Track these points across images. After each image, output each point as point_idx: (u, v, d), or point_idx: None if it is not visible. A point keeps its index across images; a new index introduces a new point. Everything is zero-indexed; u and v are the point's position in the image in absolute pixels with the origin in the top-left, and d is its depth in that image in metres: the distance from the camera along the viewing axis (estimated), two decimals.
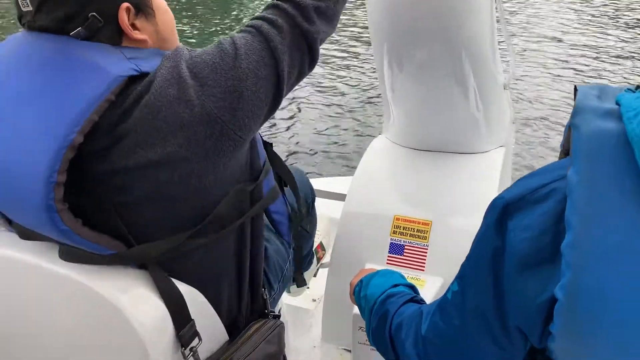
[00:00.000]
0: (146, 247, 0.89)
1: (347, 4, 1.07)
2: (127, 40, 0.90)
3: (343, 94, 6.91)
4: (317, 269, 1.96)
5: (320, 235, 2.02)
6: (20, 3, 0.86)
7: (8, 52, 0.89)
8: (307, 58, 0.97)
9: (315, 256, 1.93)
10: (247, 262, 1.06)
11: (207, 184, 0.89)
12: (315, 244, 1.97)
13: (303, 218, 1.26)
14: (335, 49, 8.72)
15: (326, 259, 1.90)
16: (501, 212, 0.68)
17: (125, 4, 0.88)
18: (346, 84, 7.29)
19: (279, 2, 0.96)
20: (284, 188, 1.23)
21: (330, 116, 6.23)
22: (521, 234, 0.65)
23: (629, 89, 0.67)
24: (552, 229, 0.62)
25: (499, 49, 1.66)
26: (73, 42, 0.85)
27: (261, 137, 1.09)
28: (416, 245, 1.60)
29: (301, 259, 1.21)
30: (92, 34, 0.86)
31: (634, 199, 0.57)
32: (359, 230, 1.68)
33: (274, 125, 5.95)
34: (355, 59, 8.41)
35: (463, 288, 0.75)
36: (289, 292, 1.92)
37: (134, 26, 0.91)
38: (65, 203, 0.81)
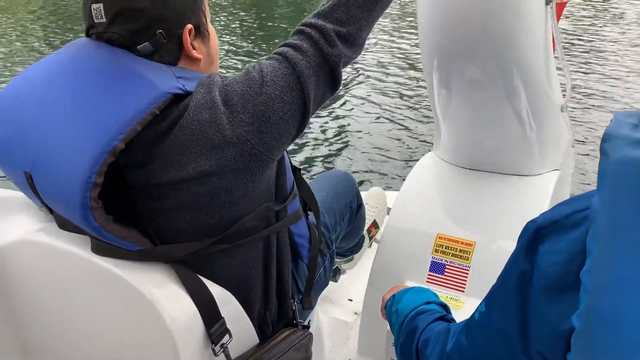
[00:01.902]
0: (171, 247, 0.94)
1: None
2: (184, 59, 0.98)
3: (395, 109, 6.89)
4: (370, 245, 1.99)
5: (375, 213, 2.03)
6: (93, 15, 0.92)
7: (68, 54, 0.95)
8: (331, 80, 1.00)
9: (365, 238, 1.93)
10: (274, 270, 1.09)
11: (236, 198, 0.94)
12: (369, 223, 1.98)
13: (322, 243, 1.29)
14: (389, 63, 8.73)
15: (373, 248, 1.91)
16: (533, 235, 0.67)
17: (190, 26, 0.96)
18: (398, 99, 7.28)
19: (303, 27, 1.00)
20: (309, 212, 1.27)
21: (380, 131, 6.23)
22: (551, 258, 0.63)
23: None
24: (580, 256, 0.60)
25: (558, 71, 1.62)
26: (130, 56, 0.91)
27: (290, 162, 1.14)
28: (458, 266, 1.57)
29: (312, 282, 1.24)
30: (156, 49, 0.93)
31: None
32: (401, 245, 1.66)
33: (324, 139, 6.01)
34: (407, 75, 8.39)
35: (489, 309, 0.74)
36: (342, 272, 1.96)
37: (192, 46, 0.98)
38: (99, 201, 0.87)
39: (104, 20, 0.91)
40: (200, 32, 1.00)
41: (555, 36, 1.46)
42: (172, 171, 0.89)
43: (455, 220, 1.65)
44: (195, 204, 0.92)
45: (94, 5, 0.91)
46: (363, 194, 1.91)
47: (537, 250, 0.66)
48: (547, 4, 1.36)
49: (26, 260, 1.01)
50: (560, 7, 1.74)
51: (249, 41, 10.04)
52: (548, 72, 1.52)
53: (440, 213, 1.68)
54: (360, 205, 1.61)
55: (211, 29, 1.05)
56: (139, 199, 0.94)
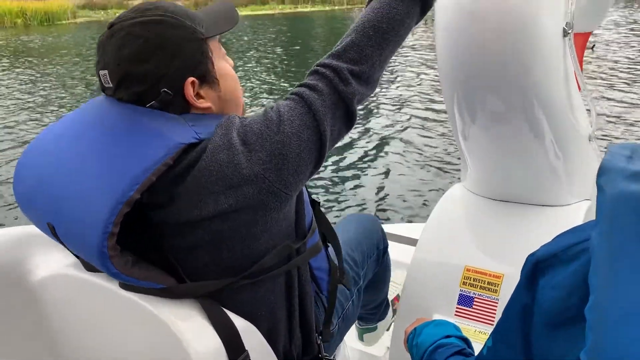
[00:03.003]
0: (193, 285, 0.98)
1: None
2: (193, 108, 1.01)
3: (422, 140, 6.90)
4: (393, 317, 1.95)
5: (399, 287, 2.02)
6: (102, 80, 0.98)
7: (86, 112, 1.02)
8: (346, 117, 1.03)
9: (390, 307, 1.93)
10: (297, 303, 1.11)
11: (256, 234, 0.97)
12: (392, 295, 1.97)
13: (343, 276, 1.30)
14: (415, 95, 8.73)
15: None
16: (532, 269, 0.67)
17: (191, 79, 0.98)
18: (424, 131, 7.29)
19: (318, 67, 1.03)
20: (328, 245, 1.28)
21: (408, 162, 6.23)
22: (550, 292, 0.64)
23: None
24: (580, 289, 0.60)
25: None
26: (142, 110, 0.96)
27: (309, 196, 1.16)
28: (486, 299, 1.56)
29: (331, 312, 1.25)
30: (164, 106, 0.97)
31: None
32: (429, 278, 1.66)
33: (348, 170, 6.03)
34: (433, 107, 8.40)
35: (496, 344, 0.74)
36: (361, 340, 1.93)
37: (199, 95, 1.01)
38: (117, 248, 0.91)
39: (111, 85, 0.97)
40: (206, 80, 1.02)
41: (575, 68, 1.46)
42: (193, 211, 0.93)
43: (483, 252, 1.64)
44: (215, 240, 0.96)
45: (101, 72, 0.97)
46: (402, 225, 1.91)
47: (537, 284, 0.66)
48: (564, 36, 1.37)
49: (60, 293, 1.07)
50: (583, 37, 1.75)
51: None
52: (571, 103, 1.52)
53: (468, 245, 1.68)
54: (386, 248, 1.62)
55: (224, 69, 1.06)
56: (161, 236, 0.98)
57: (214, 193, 0.91)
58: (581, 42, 1.73)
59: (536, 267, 0.66)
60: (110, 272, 0.92)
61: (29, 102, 10.51)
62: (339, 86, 1.00)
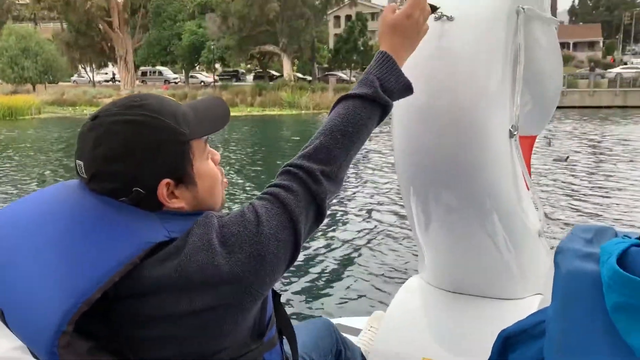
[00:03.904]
0: None
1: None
2: (165, 207, 1.00)
3: (381, 233, 7.00)
4: None
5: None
6: (78, 170, 0.98)
7: (58, 198, 1.00)
8: (317, 215, 1.07)
9: None
10: None
11: (224, 331, 0.96)
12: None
13: None
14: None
15: None
16: (502, 344, 0.71)
17: (166, 180, 0.97)
18: (382, 225, 7.42)
19: (290, 168, 1.07)
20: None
21: (367, 256, 6.28)
22: None
23: (626, 236, 0.71)
24: None
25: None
26: (115, 203, 0.95)
27: (272, 288, 1.14)
28: None
29: None
30: (136, 203, 0.97)
31: (604, 338, 0.59)
32: None
33: (309, 264, 6.01)
34: (392, 200, 8.62)
35: None
36: None
37: (172, 194, 0.99)
38: (69, 344, 0.86)
39: (85, 177, 0.96)
40: (182, 181, 1.00)
41: (521, 167, 1.58)
42: (167, 307, 0.91)
43: (439, 344, 1.65)
44: (183, 335, 0.94)
45: (78, 162, 0.98)
46: (365, 318, 1.91)
47: (507, 359, 0.69)
48: (510, 137, 1.49)
49: None
50: (530, 140, 1.89)
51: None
52: (520, 200, 1.61)
53: (425, 336, 1.69)
54: (340, 352, 1.60)
55: (203, 169, 1.04)
56: (122, 328, 0.95)
57: (191, 291, 0.91)
58: (528, 144, 1.87)
59: (506, 342, 0.70)
60: None
61: None
62: (312, 186, 1.04)
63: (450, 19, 1.40)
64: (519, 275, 1.72)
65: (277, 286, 1.15)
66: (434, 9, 1.33)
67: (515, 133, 1.50)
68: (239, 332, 1.00)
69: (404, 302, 1.83)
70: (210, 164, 1.07)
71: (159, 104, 0.99)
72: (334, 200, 9.30)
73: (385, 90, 1.18)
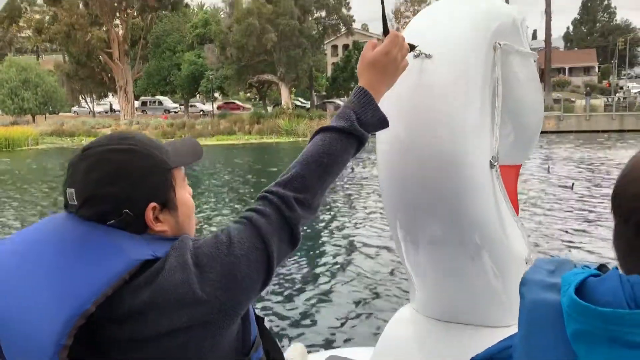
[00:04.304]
0: None
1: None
2: (150, 230, 1.07)
3: (372, 263, 7.00)
4: None
5: None
6: (67, 197, 1.04)
7: (46, 228, 1.06)
8: (291, 239, 1.12)
9: None
10: None
11: (204, 351, 1.00)
12: None
13: None
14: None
15: None
16: None
17: (153, 204, 1.04)
18: (373, 256, 7.42)
19: (266, 194, 1.13)
20: None
21: (357, 286, 6.26)
22: None
23: (586, 266, 0.74)
24: None
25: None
26: (103, 227, 1.01)
27: (254, 311, 1.20)
28: None
29: None
30: (124, 226, 1.03)
31: None
32: None
33: (298, 291, 6.00)
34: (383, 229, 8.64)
35: None
36: None
37: (157, 219, 1.07)
38: None
39: (76, 203, 1.01)
40: (166, 206, 1.07)
41: (503, 196, 1.61)
42: (145, 329, 0.95)
43: None
44: (164, 357, 0.97)
45: (68, 190, 1.03)
46: (359, 349, 1.91)
47: None
48: (491, 167, 1.53)
49: None
50: (514, 169, 1.93)
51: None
52: (504, 228, 1.64)
53: None
54: None
55: (183, 196, 1.12)
56: (108, 354, 0.99)
57: (168, 311, 0.95)
58: (513, 173, 1.91)
59: None
60: None
61: None
62: (285, 212, 1.10)
63: (428, 56, 1.45)
64: (507, 302, 1.73)
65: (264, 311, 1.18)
66: (412, 47, 1.38)
67: (496, 164, 1.54)
68: (220, 351, 1.02)
69: (395, 331, 1.84)
70: (187, 193, 1.15)
71: (145, 138, 1.10)
72: (320, 225, 9.48)
73: (361, 123, 1.22)
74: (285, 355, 1.87)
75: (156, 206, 1.05)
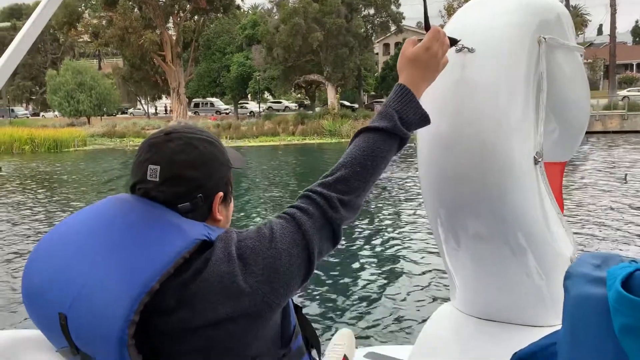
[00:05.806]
0: None
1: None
2: (210, 219, 1.14)
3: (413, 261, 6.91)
4: None
5: (343, 349, 1.98)
6: (148, 173, 1.09)
7: (110, 207, 1.11)
8: (332, 238, 1.15)
9: None
10: None
11: (247, 342, 1.03)
12: (339, 358, 1.92)
13: None
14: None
15: None
16: None
17: (221, 193, 1.14)
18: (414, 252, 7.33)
19: (310, 193, 1.16)
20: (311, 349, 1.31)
21: (398, 284, 6.22)
22: None
23: (633, 260, 0.72)
24: None
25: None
26: (167, 211, 1.07)
27: (292, 301, 1.22)
28: None
29: None
30: (193, 210, 1.09)
31: None
32: None
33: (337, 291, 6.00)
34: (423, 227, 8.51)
35: None
36: None
37: (217, 209, 1.15)
38: (133, 339, 0.96)
39: (157, 180, 1.07)
40: (225, 199, 1.17)
41: (548, 193, 1.58)
42: (193, 318, 0.99)
43: None
44: (207, 347, 1.01)
45: (151, 166, 1.09)
46: (401, 347, 1.89)
47: None
48: (535, 164, 1.51)
49: None
50: (559, 166, 1.89)
51: None
52: (549, 226, 1.61)
53: None
54: None
55: (231, 197, 1.21)
56: (159, 344, 1.02)
57: (213, 302, 0.99)
58: (558, 170, 1.87)
59: None
60: None
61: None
62: (328, 212, 1.13)
63: (471, 50, 1.44)
64: (550, 301, 1.70)
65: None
66: (454, 42, 1.37)
67: (540, 160, 1.51)
68: (263, 341, 1.06)
69: (435, 330, 1.83)
70: None
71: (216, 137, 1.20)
72: (365, 224, 9.37)
73: (403, 122, 1.23)
74: (334, 340, 1.89)
75: (222, 195, 1.14)
